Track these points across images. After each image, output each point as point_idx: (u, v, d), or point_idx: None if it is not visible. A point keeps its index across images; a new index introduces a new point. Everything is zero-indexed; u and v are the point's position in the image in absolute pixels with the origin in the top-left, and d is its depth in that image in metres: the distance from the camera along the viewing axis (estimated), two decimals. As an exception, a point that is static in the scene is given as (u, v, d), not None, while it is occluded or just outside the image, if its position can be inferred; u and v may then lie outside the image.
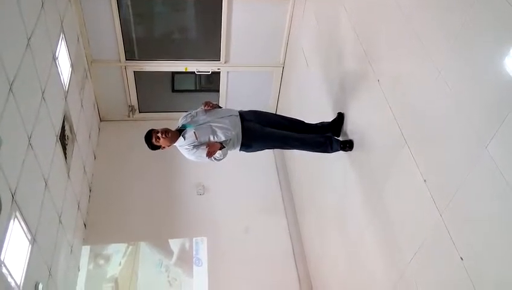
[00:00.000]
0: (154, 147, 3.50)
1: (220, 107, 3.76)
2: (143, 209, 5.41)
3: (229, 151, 3.55)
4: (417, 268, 2.75)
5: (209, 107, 3.61)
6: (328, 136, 3.77)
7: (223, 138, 3.44)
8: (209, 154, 3.35)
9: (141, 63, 5.89)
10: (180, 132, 3.51)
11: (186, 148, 3.46)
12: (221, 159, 3.45)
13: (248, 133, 3.53)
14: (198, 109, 3.65)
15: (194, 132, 3.43)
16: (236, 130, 3.50)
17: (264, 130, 3.60)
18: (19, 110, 3.19)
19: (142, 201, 5.50)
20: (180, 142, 3.49)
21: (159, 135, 3.41)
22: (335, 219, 4.25)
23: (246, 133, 3.52)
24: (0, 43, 2.92)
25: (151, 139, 3.45)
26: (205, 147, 3.39)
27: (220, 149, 3.39)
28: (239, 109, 3.74)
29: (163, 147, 3.50)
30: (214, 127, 3.46)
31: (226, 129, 3.46)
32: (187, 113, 3.66)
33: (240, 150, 3.61)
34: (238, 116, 3.59)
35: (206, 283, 5.05)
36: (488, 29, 2.08)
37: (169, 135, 3.44)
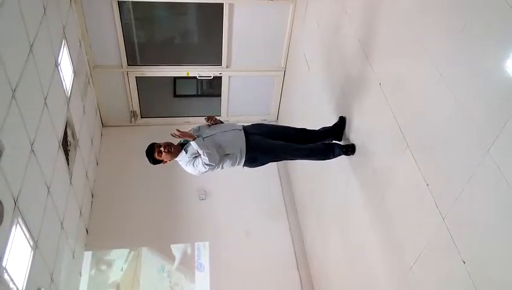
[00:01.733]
0: (155, 162, 3.46)
1: (222, 123, 3.75)
2: (145, 215, 5.41)
3: (233, 167, 3.51)
4: (420, 272, 2.74)
5: (212, 122, 3.59)
6: (329, 143, 3.77)
7: (225, 151, 3.42)
8: (178, 133, 3.25)
9: (143, 69, 5.91)
10: (182, 146, 3.50)
11: (187, 160, 3.43)
12: (210, 161, 3.31)
13: (252, 146, 3.49)
14: (202, 124, 3.64)
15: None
16: (239, 144, 3.46)
17: (267, 142, 3.57)
18: (21, 117, 3.20)
19: (144, 206, 5.50)
20: (181, 156, 3.44)
21: (162, 149, 3.36)
22: (337, 223, 4.24)
23: (249, 147, 3.48)
24: (3, 49, 2.94)
25: (153, 153, 3.41)
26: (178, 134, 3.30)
27: (194, 139, 3.27)
28: (241, 119, 3.71)
29: (165, 162, 3.47)
30: (217, 141, 3.42)
31: (229, 143, 3.43)
32: (190, 128, 3.64)
33: (244, 165, 3.54)
34: (242, 131, 3.56)
35: (208, 288, 5.04)
36: (489, 32, 2.09)
37: (172, 149, 3.40)
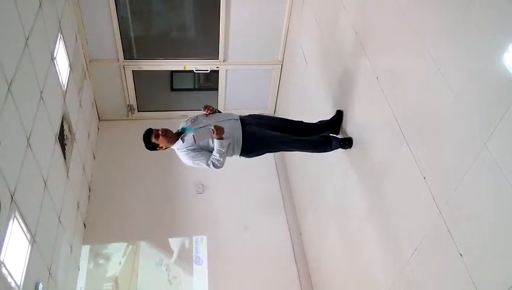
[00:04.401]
0: (151, 146, 3.46)
1: (220, 112, 3.74)
2: (143, 208, 5.42)
3: (228, 157, 3.51)
4: (417, 265, 2.75)
5: (209, 111, 3.59)
6: (327, 135, 3.77)
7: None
8: (216, 132, 3.26)
9: (140, 62, 5.88)
10: (179, 135, 3.50)
11: (184, 151, 3.43)
12: (220, 160, 3.36)
13: (248, 137, 3.50)
14: (199, 114, 3.64)
15: (193, 135, 3.41)
16: (236, 134, 3.47)
17: (264, 133, 3.58)
18: (17, 111, 3.18)
19: (142, 200, 5.50)
20: (178, 145, 3.45)
21: (159, 132, 3.39)
22: (334, 216, 4.26)
23: (246, 137, 3.49)
24: (-2, 43, 2.92)
25: (150, 136, 3.43)
26: (211, 130, 3.30)
27: (221, 138, 3.29)
28: (238, 113, 3.71)
29: (161, 147, 3.47)
30: None
31: (226, 132, 3.43)
32: (187, 118, 3.64)
33: (240, 155, 3.56)
34: (239, 120, 3.56)
35: (206, 281, 5.05)
36: (488, 26, 2.08)
37: (169, 134, 3.42)
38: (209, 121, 3.50)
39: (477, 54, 2.15)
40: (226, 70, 6.08)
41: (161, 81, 6.78)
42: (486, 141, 2.05)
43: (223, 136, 3.33)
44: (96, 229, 5.20)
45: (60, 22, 4.41)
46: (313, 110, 4.47)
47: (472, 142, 2.15)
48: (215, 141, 3.32)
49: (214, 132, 3.28)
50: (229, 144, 3.43)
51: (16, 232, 3.09)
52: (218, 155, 3.34)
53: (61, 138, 4.31)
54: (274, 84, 6.30)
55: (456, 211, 2.33)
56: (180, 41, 6.34)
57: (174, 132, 3.53)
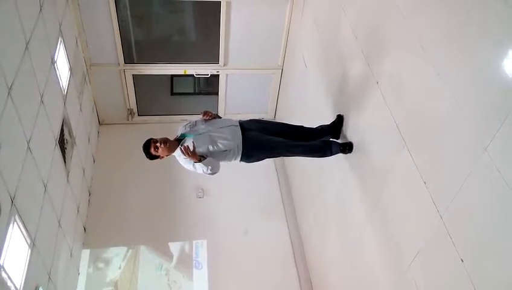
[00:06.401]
0: (152, 157, 3.47)
1: (220, 117, 3.74)
2: (143, 213, 5.41)
3: (228, 162, 3.53)
4: (417, 270, 2.75)
5: (208, 117, 3.59)
6: (327, 140, 3.78)
7: (222, 148, 3.42)
8: (187, 153, 3.28)
9: (140, 66, 5.89)
10: (179, 141, 3.50)
11: (184, 158, 3.44)
12: (213, 172, 3.42)
13: (248, 142, 3.49)
14: (198, 119, 3.64)
15: (193, 142, 3.41)
16: (236, 141, 3.47)
17: (264, 139, 3.58)
18: (17, 115, 3.19)
19: (142, 204, 5.49)
20: (178, 152, 3.45)
21: (158, 144, 3.38)
22: (335, 221, 4.25)
23: (246, 143, 3.49)
24: (-1, 47, 2.92)
25: (149, 148, 3.42)
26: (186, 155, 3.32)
27: (198, 161, 3.33)
28: (238, 118, 3.72)
29: (162, 157, 3.48)
30: (213, 137, 3.43)
31: (226, 139, 3.43)
32: (186, 122, 3.64)
33: (241, 160, 3.56)
34: (238, 126, 3.55)
35: (206, 285, 5.04)
36: (487, 30, 2.09)
37: (168, 144, 3.41)
38: (209, 127, 3.50)
39: (478, 59, 2.15)
40: (227, 74, 6.09)
41: (161, 86, 6.78)
42: (486, 146, 2.05)
43: (198, 152, 3.33)
44: (96, 233, 5.19)
45: (60, 26, 4.42)
46: (313, 115, 4.47)
47: (472, 147, 2.15)
48: (196, 165, 3.37)
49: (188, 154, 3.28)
50: (230, 150, 3.44)
51: (16, 236, 3.09)
52: (209, 171, 3.42)
53: (62, 142, 4.31)
54: (274, 88, 6.31)
55: (457, 216, 2.33)
56: (181, 45, 6.35)
57: (173, 138, 3.52)
